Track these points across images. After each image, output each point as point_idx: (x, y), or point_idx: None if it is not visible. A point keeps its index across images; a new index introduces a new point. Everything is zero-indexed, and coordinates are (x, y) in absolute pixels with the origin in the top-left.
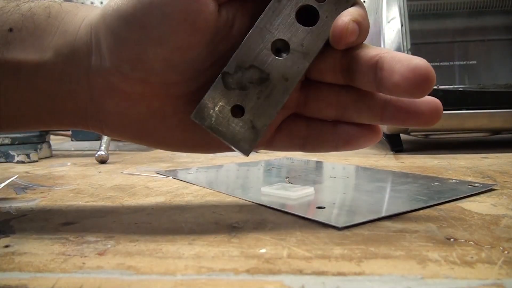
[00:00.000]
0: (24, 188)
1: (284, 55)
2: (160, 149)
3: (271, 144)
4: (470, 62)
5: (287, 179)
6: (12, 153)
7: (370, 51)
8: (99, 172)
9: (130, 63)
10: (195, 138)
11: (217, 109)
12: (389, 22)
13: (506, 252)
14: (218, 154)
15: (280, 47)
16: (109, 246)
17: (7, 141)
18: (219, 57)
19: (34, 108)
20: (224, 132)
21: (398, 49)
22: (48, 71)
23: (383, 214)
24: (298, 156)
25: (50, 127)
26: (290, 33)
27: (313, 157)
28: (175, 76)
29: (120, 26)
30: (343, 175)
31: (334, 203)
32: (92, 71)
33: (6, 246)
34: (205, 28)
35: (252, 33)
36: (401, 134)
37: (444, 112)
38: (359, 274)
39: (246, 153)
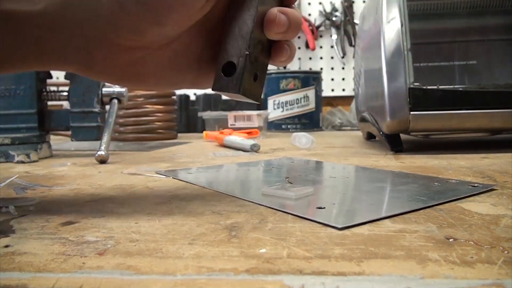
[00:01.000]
0: (24, 188)
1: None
2: (136, 88)
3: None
4: (470, 62)
5: (287, 179)
6: (12, 153)
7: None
8: (99, 172)
9: (128, 29)
10: (170, 79)
11: (247, 79)
12: (389, 22)
13: (506, 252)
14: (218, 154)
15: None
16: (109, 246)
17: (7, 141)
18: (205, 26)
19: (21, 52)
20: (253, 94)
21: (398, 48)
22: (39, 20)
23: (383, 214)
24: (298, 156)
25: (33, 69)
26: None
27: (313, 157)
28: (165, 41)
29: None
30: (343, 175)
31: (334, 203)
32: (88, 23)
33: (6, 246)
34: (200, 12)
35: (250, 15)
36: (401, 134)
37: (444, 112)
38: (359, 274)
39: (261, 100)
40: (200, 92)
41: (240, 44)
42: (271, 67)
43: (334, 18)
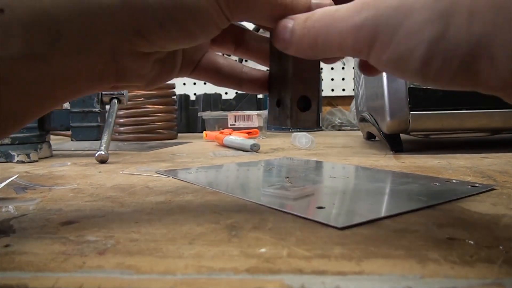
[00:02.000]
0: (24, 188)
1: None
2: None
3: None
4: None
5: (287, 179)
6: (12, 153)
7: None
8: (99, 172)
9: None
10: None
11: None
12: None
13: (506, 251)
14: (218, 154)
15: None
16: (109, 245)
17: (7, 141)
18: None
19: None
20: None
21: None
22: None
23: (383, 214)
24: (298, 156)
25: (65, 101)
26: None
27: (313, 157)
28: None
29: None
30: (343, 175)
31: (334, 203)
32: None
33: (7, 246)
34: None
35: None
36: (401, 134)
37: (444, 112)
38: (359, 273)
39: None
40: (200, 92)
41: (311, 79)
42: None
43: None
